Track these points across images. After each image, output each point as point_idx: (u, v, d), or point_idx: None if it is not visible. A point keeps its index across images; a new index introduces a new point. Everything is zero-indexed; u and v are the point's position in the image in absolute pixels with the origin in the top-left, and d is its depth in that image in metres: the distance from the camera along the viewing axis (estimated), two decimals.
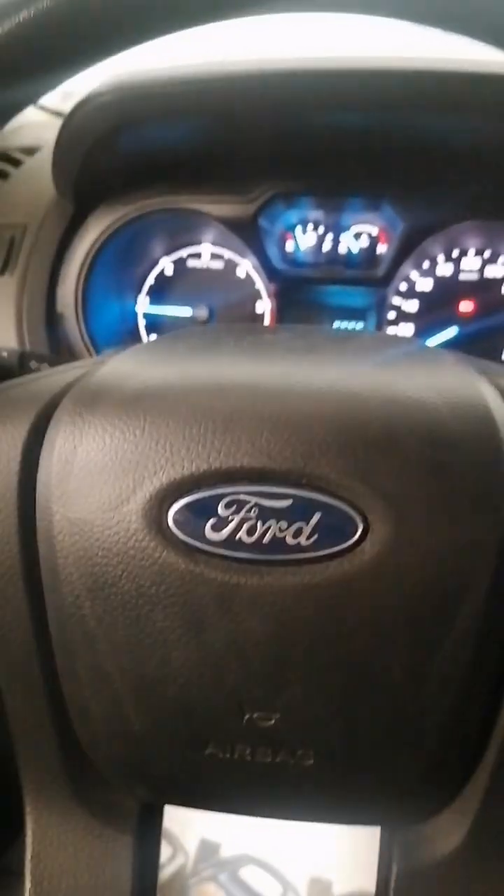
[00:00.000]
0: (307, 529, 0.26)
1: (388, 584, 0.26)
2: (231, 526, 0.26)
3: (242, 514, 0.26)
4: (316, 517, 0.26)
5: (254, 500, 0.26)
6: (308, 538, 0.26)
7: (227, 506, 0.26)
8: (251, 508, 0.26)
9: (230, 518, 0.26)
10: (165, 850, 1.02)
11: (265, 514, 0.26)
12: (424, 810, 0.30)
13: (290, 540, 0.26)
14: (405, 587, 0.26)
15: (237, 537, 0.26)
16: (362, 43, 0.59)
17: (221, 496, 0.26)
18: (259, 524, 0.26)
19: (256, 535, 0.26)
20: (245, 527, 0.26)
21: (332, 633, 0.26)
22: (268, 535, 0.26)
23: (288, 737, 0.27)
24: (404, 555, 0.26)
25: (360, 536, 0.26)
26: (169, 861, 0.97)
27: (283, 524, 0.26)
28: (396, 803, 0.29)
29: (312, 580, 0.26)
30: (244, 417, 0.27)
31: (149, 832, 0.33)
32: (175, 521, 0.26)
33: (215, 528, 0.26)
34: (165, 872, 0.95)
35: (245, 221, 0.67)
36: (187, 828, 1.00)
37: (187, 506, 0.26)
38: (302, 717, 0.27)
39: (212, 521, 0.26)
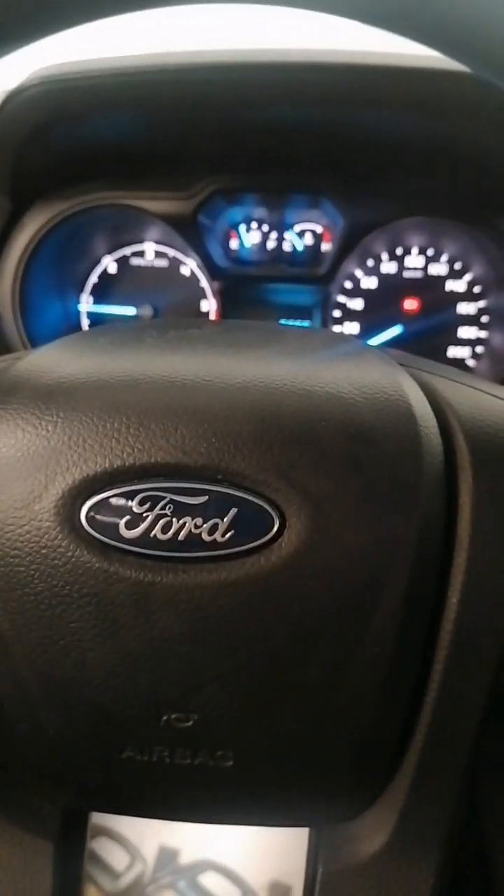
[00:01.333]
0: (223, 525, 0.25)
1: (305, 580, 0.25)
2: (146, 523, 0.25)
3: (157, 510, 0.25)
4: (232, 513, 0.25)
5: (168, 496, 0.25)
6: (224, 534, 0.25)
7: (142, 502, 0.25)
8: (166, 505, 0.25)
9: (145, 515, 0.25)
10: (123, 859, 1.00)
11: (180, 510, 0.25)
12: (348, 810, 0.29)
13: (205, 536, 0.25)
14: (322, 583, 0.25)
15: (152, 534, 0.25)
16: (301, 36, 0.59)
17: (135, 493, 0.25)
18: (174, 521, 0.25)
19: (171, 531, 0.25)
20: (160, 524, 0.25)
21: (249, 631, 0.25)
22: (183, 531, 0.25)
23: (206, 738, 0.26)
24: (321, 550, 0.25)
25: (277, 532, 0.25)
26: (127, 869, 0.96)
27: (199, 520, 0.25)
28: (319, 803, 0.29)
29: (228, 577, 0.25)
30: (159, 412, 0.26)
31: (72, 839, 0.32)
32: (88, 519, 0.26)
33: (129, 526, 0.25)
34: (123, 881, 0.94)
35: (185, 218, 0.66)
36: (146, 835, 0.99)
37: (100, 503, 0.25)
38: (220, 718, 0.26)
39: (126, 518, 0.25)
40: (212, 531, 0.25)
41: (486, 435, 0.28)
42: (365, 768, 0.28)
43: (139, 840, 0.93)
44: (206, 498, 0.25)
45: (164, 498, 0.25)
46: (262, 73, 0.55)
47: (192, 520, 0.25)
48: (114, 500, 0.25)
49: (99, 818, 0.93)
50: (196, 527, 0.25)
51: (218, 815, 0.30)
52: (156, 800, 0.29)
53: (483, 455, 0.28)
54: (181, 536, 0.25)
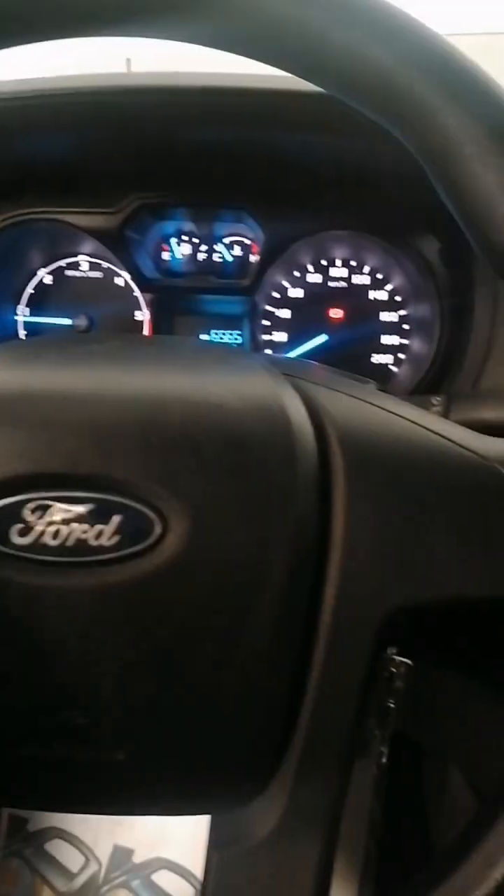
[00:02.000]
0: (108, 531, 0.27)
1: (185, 581, 0.27)
2: (37, 530, 0.27)
3: (47, 518, 0.27)
4: (117, 519, 0.27)
5: (57, 504, 0.27)
6: (109, 539, 0.27)
7: (33, 511, 0.27)
8: (55, 512, 0.27)
9: (35, 523, 0.27)
10: (77, 860, 1.01)
11: (68, 517, 0.27)
12: (240, 797, 0.31)
13: (92, 542, 0.27)
14: (203, 583, 0.27)
15: (42, 541, 0.27)
16: (224, 61, 0.61)
17: (25, 501, 0.27)
18: (63, 528, 0.27)
19: (60, 538, 0.27)
20: (50, 530, 0.27)
21: (136, 631, 0.27)
22: (71, 538, 0.27)
23: (100, 733, 0.28)
24: (201, 552, 0.27)
25: (159, 536, 0.27)
26: (81, 870, 0.97)
27: (86, 527, 0.27)
28: (212, 792, 0.31)
29: (114, 580, 0.27)
30: (49, 424, 0.28)
31: None
32: None
33: (21, 533, 0.27)
34: (78, 881, 0.95)
35: (112, 233, 0.68)
36: (100, 835, 1.00)
37: None
38: (112, 714, 0.28)
39: (18, 526, 0.27)
40: (98, 537, 0.27)
41: (359, 440, 0.31)
42: (253, 755, 0.30)
43: (93, 840, 0.94)
44: (92, 506, 0.27)
45: (53, 506, 0.27)
46: (182, 97, 0.57)
47: (80, 526, 0.27)
48: (5, 509, 0.27)
49: (52, 820, 0.94)
50: (83, 533, 0.27)
51: (118, 806, 0.32)
52: (56, 794, 0.31)
53: (355, 459, 0.30)
54: (69, 542, 0.27)
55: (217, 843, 0.31)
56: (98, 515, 0.27)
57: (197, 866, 0.92)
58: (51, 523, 0.27)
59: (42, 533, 0.27)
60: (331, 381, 0.35)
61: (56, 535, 0.27)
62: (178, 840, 0.93)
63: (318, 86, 0.30)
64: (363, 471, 0.30)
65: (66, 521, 0.27)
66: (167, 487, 0.28)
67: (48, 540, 0.27)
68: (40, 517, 0.27)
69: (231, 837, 0.31)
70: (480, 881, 0.29)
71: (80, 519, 0.27)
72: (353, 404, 0.33)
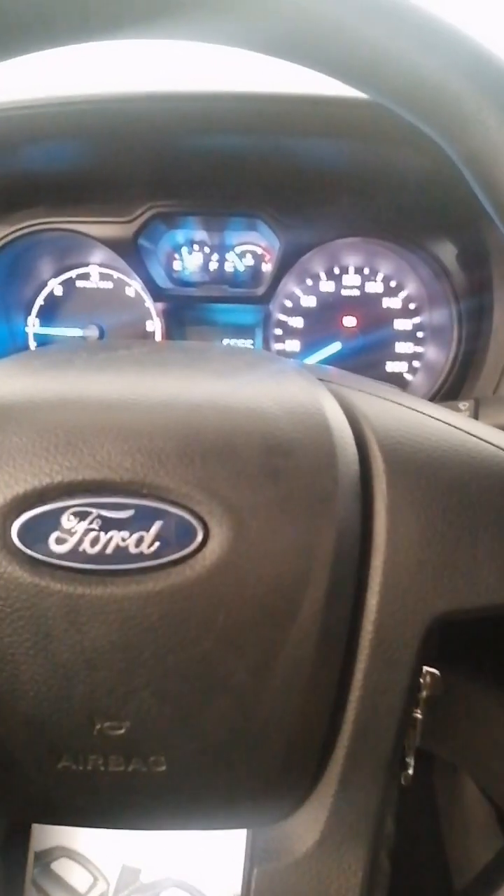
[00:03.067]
0: (149, 538, 0.26)
1: (228, 588, 0.27)
2: (75, 538, 0.26)
3: (86, 525, 0.26)
4: (157, 525, 0.27)
5: (96, 511, 0.27)
6: (150, 546, 0.26)
7: (71, 518, 0.27)
8: (94, 520, 0.27)
9: (74, 530, 0.26)
10: (85, 879, 1.00)
11: (108, 524, 0.26)
12: (280, 810, 0.31)
13: (132, 549, 0.26)
14: (245, 590, 0.27)
15: (81, 548, 0.26)
16: (235, 67, 0.61)
17: (64, 509, 0.27)
18: (102, 534, 0.26)
19: (100, 545, 0.26)
20: (89, 538, 0.26)
21: (177, 639, 0.27)
22: (111, 545, 0.26)
23: (139, 744, 0.28)
24: (243, 558, 0.27)
25: (201, 543, 0.27)
26: (89, 890, 0.95)
27: (126, 534, 0.26)
28: (252, 805, 0.30)
29: (155, 587, 0.26)
30: (86, 431, 0.27)
31: (15, 851, 0.33)
32: (19, 535, 0.27)
33: (59, 541, 0.27)
34: None
35: (126, 242, 0.68)
36: (108, 855, 0.98)
37: (31, 519, 0.27)
38: (151, 724, 0.27)
39: (56, 533, 0.26)
40: (138, 543, 0.26)
41: (398, 444, 0.30)
42: (294, 768, 0.29)
43: (101, 860, 0.93)
44: (132, 512, 0.27)
45: (92, 513, 0.27)
46: (194, 104, 0.57)
47: (119, 533, 0.26)
48: (44, 517, 0.27)
49: (59, 840, 0.93)
50: (123, 540, 0.26)
51: (155, 820, 0.31)
52: (93, 808, 0.30)
53: (396, 463, 0.30)
54: (109, 550, 0.26)
55: (257, 858, 0.31)
56: (138, 522, 0.27)
57: (205, 885, 0.90)
58: (90, 530, 0.26)
59: (81, 540, 0.26)
60: (363, 385, 0.34)
61: (95, 541, 0.26)
62: (186, 859, 0.92)
63: (364, 92, 0.30)
64: (404, 475, 0.30)
65: (105, 528, 0.26)
66: (208, 493, 0.27)
67: (87, 547, 0.26)
68: (79, 524, 0.26)
69: (272, 852, 0.30)
70: None
71: (119, 526, 0.27)
72: (390, 407, 0.32)
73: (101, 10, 0.28)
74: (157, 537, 0.27)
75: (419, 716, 0.51)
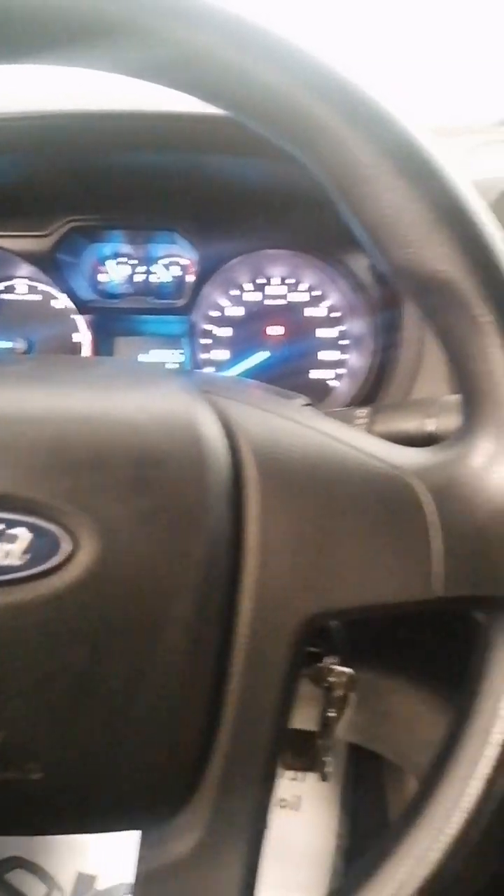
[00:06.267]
0: (17, 550, 0.27)
1: (97, 598, 0.27)
2: None
3: None
4: (26, 538, 0.27)
5: None
6: (19, 558, 0.27)
7: None
8: None
9: None
10: (40, 889, 0.99)
11: None
12: (162, 812, 0.31)
13: (2, 561, 0.27)
14: (114, 599, 0.28)
15: None
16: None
17: None
18: None
19: None
20: None
21: (49, 648, 0.27)
22: None
23: (15, 752, 0.28)
24: (112, 568, 0.27)
25: (69, 554, 0.27)
26: None
27: None
28: (135, 807, 0.31)
29: (24, 598, 0.27)
30: None
31: None
32: None
33: None
34: None
35: (44, 255, 0.69)
36: (62, 864, 0.98)
37: None
38: (26, 733, 0.28)
39: None
40: (7, 556, 0.27)
41: (272, 453, 0.31)
42: (174, 769, 0.30)
43: (55, 869, 0.93)
44: (1, 525, 0.27)
45: None
46: (112, 122, 0.58)
47: None
48: None
49: (13, 850, 0.92)
50: None
51: (40, 826, 0.32)
52: None
53: (268, 470, 0.31)
54: None
55: (143, 859, 0.31)
56: (8, 535, 0.27)
57: None
58: None
59: None
60: (251, 398, 0.35)
61: None
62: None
63: (222, 109, 0.31)
64: (276, 483, 0.31)
65: None
66: (75, 505, 0.28)
67: None
68: None
69: (156, 853, 0.31)
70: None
71: None
72: (269, 419, 0.33)
73: None
74: (26, 550, 0.27)
75: (332, 714, 0.52)
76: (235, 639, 0.30)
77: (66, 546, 0.27)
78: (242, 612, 0.30)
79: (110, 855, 0.92)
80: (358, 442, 0.33)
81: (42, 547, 0.27)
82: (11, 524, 0.27)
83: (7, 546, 0.27)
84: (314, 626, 0.30)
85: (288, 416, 0.34)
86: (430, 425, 0.44)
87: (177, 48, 0.28)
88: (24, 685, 0.28)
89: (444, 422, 0.44)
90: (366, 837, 0.91)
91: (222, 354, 0.76)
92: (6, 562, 0.27)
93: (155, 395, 0.32)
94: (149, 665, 0.28)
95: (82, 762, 0.29)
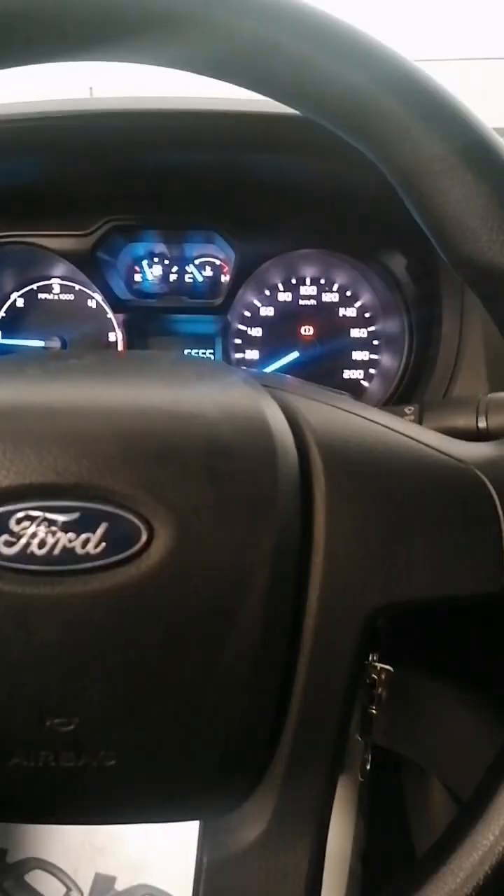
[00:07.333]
0: (95, 539, 0.28)
1: (172, 586, 0.28)
2: (23, 540, 0.27)
3: (33, 528, 0.27)
4: (103, 527, 0.28)
5: (43, 514, 0.28)
6: (96, 547, 0.28)
7: (19, 522, 0.28)
8: (41, 522, 0.28)
9: (22, 533, 0.27)
10: (58, 889, 0.99)
11: (55, 527, 0.28)
12: (229, 801, 0.32)
13: (79, 550, 0.27)
14: (188, 587, 0.28)
15: (29, 550, 0.27)
16: (192, 85, 0.63)
17: (12, 512, 0.28)
18: (49, 537, 0.27)
19: (47, 547, 0.27)
20: (36, 540, 0.27)
21: (123, 637, 0.28)
22: (58, 547, 0.27)
23: (88, 740, 0.29)
24: (186, 557, 0.28)
25: (145, 543, 0.28)
26: None
27: (72, 536, 0.27)
28: (201, 796, 0.31)
29: (101, 587, 0.28)
30: (34, 438, 0.28)
31: None
32: None
33: (8, 544, 0.27)
34: None
35: (84, 255, 0.69)
36: (80, 864, 0.98)
37: None
38: (100, 720, 0.28)
39: (4, 537, 0.27)
40: (84, 545, 0.28)
41: (336, 445, 0.32)
42: (242, 758, 0.30)
43: (74, 869, 0.93)
44: (78, 515, 0.28)
45: (39, 516, 0.28)
46: (151, 121, 0.58)
47: (66, 535, 0.28)
48: None
49: (32, 851, 0.93)
50: (70, 542, 0.27)
51: (107, 814, 0.32)
52: (45, 803, 0.31)
53: (334, 463, 0.31)
54: (56, 551, 0.27)
55: (207, 849, 0.32)
56: (84, 524, 0.28)
57: (180, 891, 0.91)
58: (37, 533, 0.27)
59: (29, 543, 0.27)
60: (308, 392, 0.36)
61: (42, 544, 0.27)
62: (160, 866, 0.93)
63: (293, 108, 0.31)
64: (342, 475, 0.31)
65: (52, 531, 0.28)
66: (151, 495, 0.28)
67: (35, 549, 0.27)
68: (27, 527, 0.27)
69: (221, 842, 0.31)
70: (463, 882, 0.30)
71: (66, 528, 0.28)
72: (331, 412, 0.34)
73: (38, 35, 0.29)
74: (102, 539, 0.28)
75: (374, 711, 0.52)
76: (304, 629, 0.30)
77: (142, 535, 0.28)
78: (311, 602, 0.30)
79: (129, 855, 0.92)
80: (419, 435, 0.34)
81: (119, 536, 0.28)
82: (88, 514, 0.28)
83: (84, 535, 0.28)
84: (382, 617, 0.31)
85: (348, 410, 0.34)
86: (481, 422, 0.44)
87: (250, 45, 0.29)
88: (100, 673, 0.28)
89: (496, 419, 0.44)
90: (383, 841, 0.91)
91: (253, 354, 0.77)
92: (83, 550, 0.28)
93: (222, 388, 0.33)
94: (220, 653, 0.29)
95: (152, 750, 0.29)
